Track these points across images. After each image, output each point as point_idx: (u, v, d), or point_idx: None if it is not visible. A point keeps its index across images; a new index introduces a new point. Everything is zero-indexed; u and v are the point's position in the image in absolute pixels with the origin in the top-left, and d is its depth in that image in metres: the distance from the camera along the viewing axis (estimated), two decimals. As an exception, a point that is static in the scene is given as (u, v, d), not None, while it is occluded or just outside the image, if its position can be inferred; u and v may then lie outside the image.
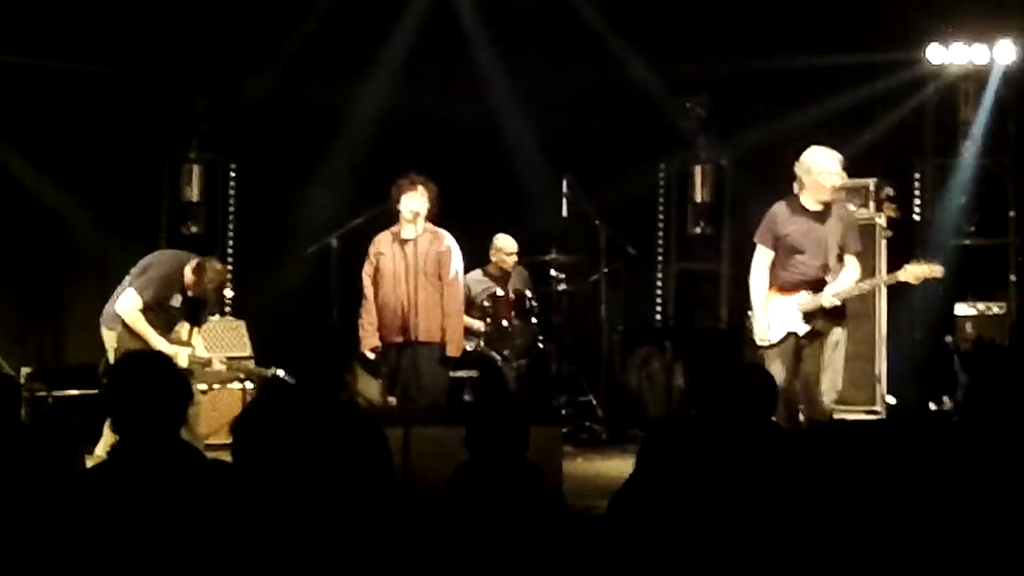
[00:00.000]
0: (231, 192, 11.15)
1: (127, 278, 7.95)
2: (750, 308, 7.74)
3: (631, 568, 4.15)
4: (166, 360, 4.03)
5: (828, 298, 7.45)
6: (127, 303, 7.77)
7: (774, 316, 7.55)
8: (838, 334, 7.53)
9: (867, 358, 9.47)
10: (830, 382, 7.50)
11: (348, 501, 4.06)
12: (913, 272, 7.64)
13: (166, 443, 3.72)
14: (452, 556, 3.97)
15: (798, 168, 7.58)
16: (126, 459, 3.71)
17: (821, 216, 7.54)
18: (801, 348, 7.52)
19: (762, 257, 7.67)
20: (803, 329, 7.48)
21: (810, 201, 7.54)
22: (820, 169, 7.50)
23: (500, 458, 4.19)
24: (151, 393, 3.73)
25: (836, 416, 8.39)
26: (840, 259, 7.57)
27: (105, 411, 3.84)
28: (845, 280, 7.54)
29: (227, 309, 10.11)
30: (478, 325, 9.48)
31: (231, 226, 11.14)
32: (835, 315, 7.51)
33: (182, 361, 7.85)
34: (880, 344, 9.47)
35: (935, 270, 7.60)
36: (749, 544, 4.10)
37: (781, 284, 7.58)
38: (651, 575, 4.10)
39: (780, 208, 7.66)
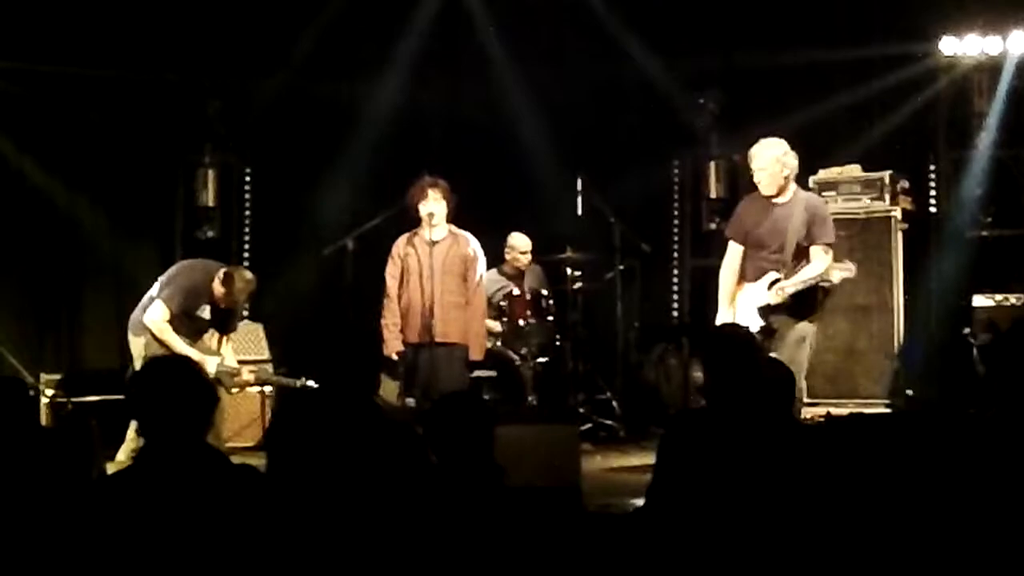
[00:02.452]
0: (246, 195, 11.17)
1: (156, 285, 7.97)
2: None
3: (662, 563, 4.16)
4: (192, 365, 4.04)
5: (773, 294, 7.31)
6: (154, 314, 7.81)
7: (739, 310, 7.46)
8: (802, 330, 7.32)
9: (884, 351, 9.46)
10: None
11: (387, 504, 4.05)
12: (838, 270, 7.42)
13: (192, 447, 3.72)
14: (425, 562, 3.94)
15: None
16: (152, 463, 3.72)
17: (784, 207, 7.44)
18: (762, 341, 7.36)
19: (732, 252, 7.61)
20: (757, 325, 7.31)
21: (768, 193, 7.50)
22: (754, 165, 7.50)
23: (464, 460, 4.13)
24: (177, 398, 3.74)
25: (853, 409, 8.39)
26: (806, 252, 7.38)
27: (132, 416, 3.85)
28: (801, 275, 7.31)
29: (245, 312, 10.14)
30: (494, 325, 9.49)
31: (247, 229, 11.16)
32: (795, 312, 7.31)
33: (210, 370, 7.89)
34: (897, 337, 9.45)
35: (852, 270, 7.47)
36: (771, 538, 4.10)
37: (747, 278, 7.50)
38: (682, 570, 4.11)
39: (747, 202, 7.66)
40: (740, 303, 7.50)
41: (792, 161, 7.49)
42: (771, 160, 7.45)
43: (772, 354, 7.20)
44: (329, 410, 4.24)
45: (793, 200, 7.46)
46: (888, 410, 9.09)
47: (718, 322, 7.56)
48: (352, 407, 4.21)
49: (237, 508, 3.66)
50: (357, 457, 4.10)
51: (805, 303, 7.34)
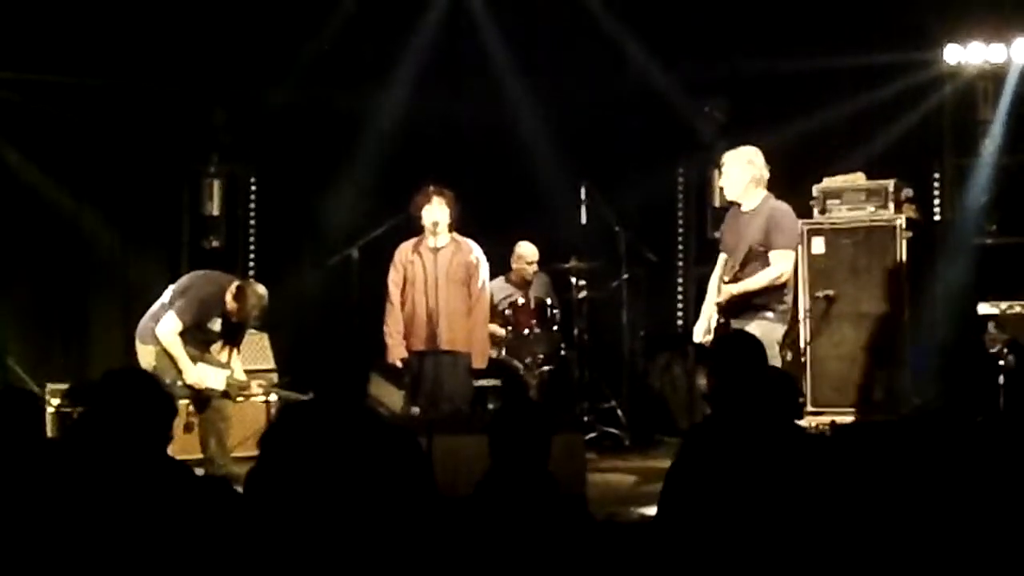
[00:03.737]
0: (252, 205, 11.19)
1: (167, 294, 7.98)
2: None
3: (672, 572, 4.16)
4: (150, 377, 4.04)
5: (717, 300, 7.29)
6: (167, 326, 7.80)
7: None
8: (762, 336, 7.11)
9: (890, 359, 9.44)
10: None
11: (383, 514, 4.05)
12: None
13: (152, 459, 3.70)
14: (476, 565, 3.97)
15: None
16: (114, 476, 3.69)
17: (749, 215, 7.36)
18: None
19: (719, 263, 7.58)
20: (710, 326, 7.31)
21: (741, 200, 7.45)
22: (723, 170, 7.47)
23: (523, 467, 4.18)
24: (135, 410, 3.72)
25: (859, 418, 8.38)
26: (762, 257, 7.20)
27: (89, 428, 3.83)
28: (749, 280, 7.18)
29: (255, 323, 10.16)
30: (500, 333, 9.49)
31: (252, 238, 11.18)
32: (749, 316, 7.18)
33: (219, 384, 7.90)
34: (903, 344, 9.44)
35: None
36: (780, 547, 4.10)
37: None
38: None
39: (728, 213, 7.62)
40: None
41: (757, 170, 7.37)
42: (735, 166, 7.40)
43: None
44: (323, 417, 4.24)
45: (759, 209, 7.35)
46: (894, 418, 9.08)
47: (695, 331, 7.50)
48: (343, 413, 4.21)
49: (201, 519, 3.64)
50: (352, 463, 4.10)
51: (747, 306, 7.21)
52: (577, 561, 4.02)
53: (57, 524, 3.68)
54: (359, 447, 4.16)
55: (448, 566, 3.96)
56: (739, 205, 7.45)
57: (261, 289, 8.08)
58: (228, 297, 7.91)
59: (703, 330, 7.45)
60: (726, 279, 7.27)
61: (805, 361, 9.23)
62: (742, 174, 7.37)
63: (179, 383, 7.79)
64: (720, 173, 7.57)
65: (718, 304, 7.30)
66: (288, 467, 4.08)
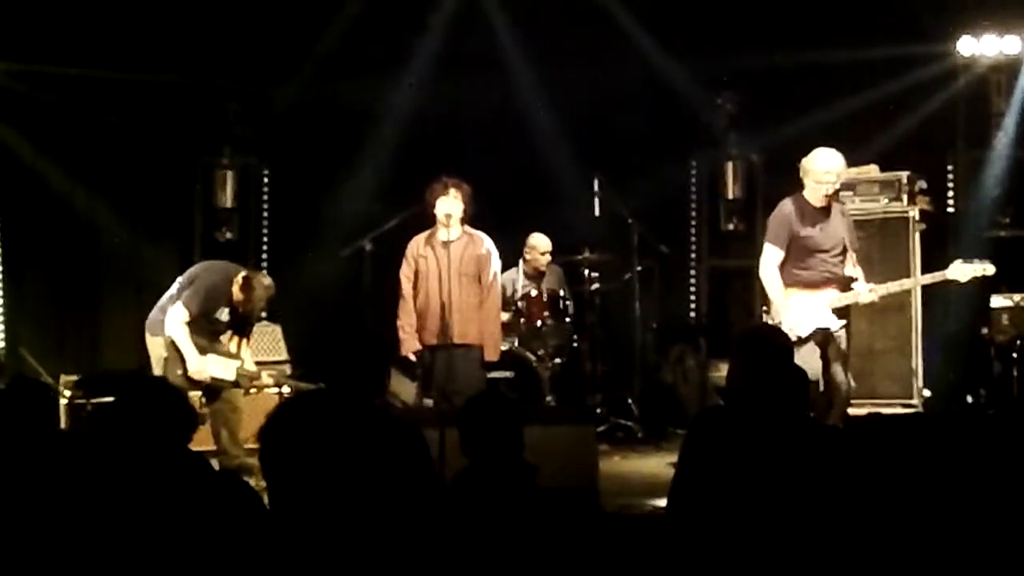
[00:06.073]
0: (264, 196, 11.20)
1: (175, 286, 7.99)
2: (765, 307, 7.79)
3: (683, 564, 4.15)
4: (171, 388, 4.05)
5: (867, 295, 7.60)
6: (175, 318, 7.81)
7: (799, 313, 7.53)
8: (843, 328, 7.66)
9: (902, 351, 9.44)
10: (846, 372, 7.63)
11: (388, 507, 4.05)
12: (961, 270, 7.63)
13: (169, 453, 3.71)
14: (455, 559, 3.96)
15: (801, 168, 7.63)
16: (129, 469, 3.69)
17: (829, 213, 7.63)
18: (828, 343, 7.51)
19: (774, 257, 7.65)
20: (836, 324, 7.51)
21: (814, 200, 7.60)
22: (818, 175, 7.54)
23: (496, 460, 4.19)
24: (154, 423, 3.73)
25: (872, 410, 8.40)
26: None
27: (106, 427, 3.83)
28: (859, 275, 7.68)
29: (263, 314, 10.16)
30: (513, 325, 9.49)
31: (265, 230, 11.19)
32: (848, 311, 7.66)
33: (229, 374, 7.91)
34: (915, 337, 9.43)
35: (987, 268, 7.62)
36: (791, 538, 4.10)
37: (804, 282, 7.59)
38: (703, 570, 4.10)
39: (790, 208, 7.66)
40: (799, 305, 7.58)
41: None
42: (833, 178, 7.60)
43: (833, 351, 7.53)
44: (328, 411, 4.23)
45: (835, 209, 7.69)
46: (906, 410, 9.07)
47: (785, 325, 7.34)
48: (352, 407, 4.21)
49: (215, 513, 3.64)
50: (355, 458, 4.10)
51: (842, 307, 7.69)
52: (588, 553, 4.02)
53: (68, 516, 3.69)
54: (361, 440, 4.16)
55: (429, 560, 3.95)
56: (811, 204, 7.60)
57: (268, 280, 8.10)
58: (235, 288, 7.91)
59: (794, 324, 7.46)
60: (857, 277, 7.66)
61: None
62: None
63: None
64: (833, 177, 7.61)
65: (844, 307, 7.63)
66: (289, 460, 4.08)
